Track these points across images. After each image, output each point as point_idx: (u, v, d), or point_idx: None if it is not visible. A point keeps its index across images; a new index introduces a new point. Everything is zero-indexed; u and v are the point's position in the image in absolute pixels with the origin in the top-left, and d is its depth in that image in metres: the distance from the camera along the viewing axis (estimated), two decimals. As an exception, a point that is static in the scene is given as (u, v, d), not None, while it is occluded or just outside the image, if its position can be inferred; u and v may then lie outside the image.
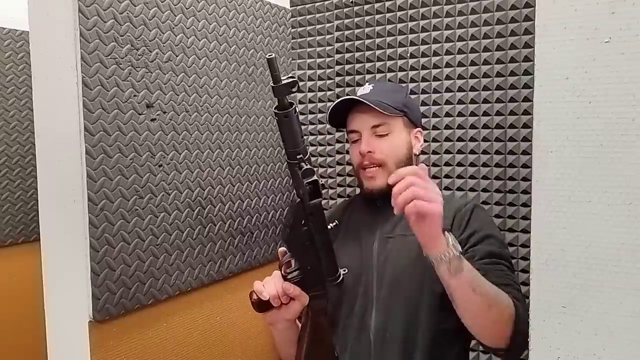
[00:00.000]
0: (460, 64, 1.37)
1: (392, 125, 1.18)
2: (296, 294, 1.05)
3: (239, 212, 1.32)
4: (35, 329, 1.19)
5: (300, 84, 1.61)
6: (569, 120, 0.61)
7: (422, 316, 1.11)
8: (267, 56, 0.96)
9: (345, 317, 1.18)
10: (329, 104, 1.53)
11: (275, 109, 0.98)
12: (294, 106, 0.98)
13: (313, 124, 1.59)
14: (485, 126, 1.35)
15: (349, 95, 1.40)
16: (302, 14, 1.57)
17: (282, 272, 1.06)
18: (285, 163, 1.48)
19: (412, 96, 1.40)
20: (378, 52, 1.47)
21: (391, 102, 1.17)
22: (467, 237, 1.12)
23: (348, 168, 1.56)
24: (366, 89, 1.23)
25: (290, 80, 0.96)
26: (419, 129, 1.24)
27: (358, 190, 1.33)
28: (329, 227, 1.08)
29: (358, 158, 1.19)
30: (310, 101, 1.59)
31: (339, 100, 1.19)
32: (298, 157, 1.01)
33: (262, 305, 1.07)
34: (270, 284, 1.06)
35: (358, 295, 1.17)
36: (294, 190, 1.09)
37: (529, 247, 1.01)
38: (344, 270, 1.12)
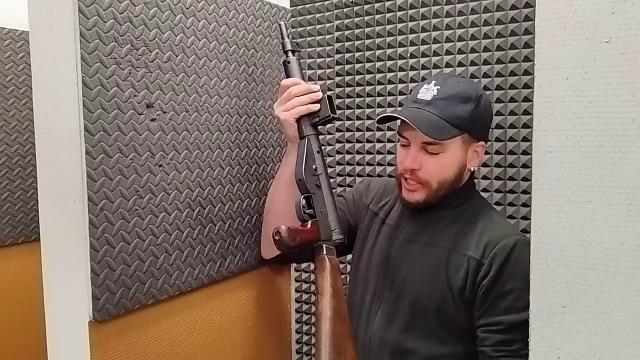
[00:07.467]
0: (460, 64, 1.37)
1: (447, 145, 1.05)
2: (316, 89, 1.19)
3: (239, 212, 1.32)
4: (35, 329, 1.20)
5: (300, 84, 1.60)
6: (569, 120, 0.61)
7: (419, 333, 1.08)
8: (279, 21, 1.29)
9: (359, 305, 1.18)
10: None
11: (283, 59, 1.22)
12: (296, 54, 1.23)
13: (313, 124, 1.59)
14: (485, 126, 1.35)
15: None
16: (302, 14, 1.57)
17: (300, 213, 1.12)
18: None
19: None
20: (378, 52, 1.47)
21: (453, 118, 1.03)
22: (503, 295, 1.00)
23: (348, 168, 1.56)
24: (429, 92, 1.06)
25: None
26: (482, 142, 1.10)
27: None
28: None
29: (401, 166, 1.10)
30: (310, 101, 1.59)
31: (388, 114, 1.08)
32: None
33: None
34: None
35: (368, 289, 1.17)
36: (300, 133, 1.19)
37: (529, 247, 1.01)
38: (340, 238, 1.15)
